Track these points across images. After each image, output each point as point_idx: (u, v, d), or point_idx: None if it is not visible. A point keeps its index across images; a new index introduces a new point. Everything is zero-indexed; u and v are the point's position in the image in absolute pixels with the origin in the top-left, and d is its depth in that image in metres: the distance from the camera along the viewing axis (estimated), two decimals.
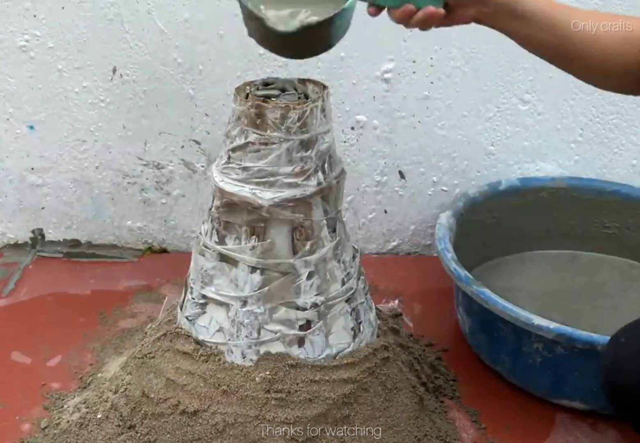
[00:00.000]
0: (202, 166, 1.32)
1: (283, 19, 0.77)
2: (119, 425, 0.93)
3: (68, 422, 0.97)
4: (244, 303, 0.88)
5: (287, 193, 0.84)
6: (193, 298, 0.93)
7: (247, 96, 0.85)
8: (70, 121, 1.28)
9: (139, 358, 0.97)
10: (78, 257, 1.39)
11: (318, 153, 0.85)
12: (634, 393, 0.76)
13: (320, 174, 0.86)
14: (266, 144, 0.83)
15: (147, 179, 1.34)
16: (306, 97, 0.86)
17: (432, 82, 1.26)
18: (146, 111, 1.27)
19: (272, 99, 0.85)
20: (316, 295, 0.89)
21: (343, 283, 0.92)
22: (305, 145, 0.84)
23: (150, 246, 1.42)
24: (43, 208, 1.37)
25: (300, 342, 0.90)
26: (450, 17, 0.78)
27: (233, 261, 0.88)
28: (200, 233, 0.92)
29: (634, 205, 1.28)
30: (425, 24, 0.78)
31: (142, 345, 0.99)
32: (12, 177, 1.34)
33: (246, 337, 0.89)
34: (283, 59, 1.21)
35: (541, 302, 1.21)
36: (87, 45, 1.22)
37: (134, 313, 1.24)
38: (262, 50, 1.18)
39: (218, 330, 0.91)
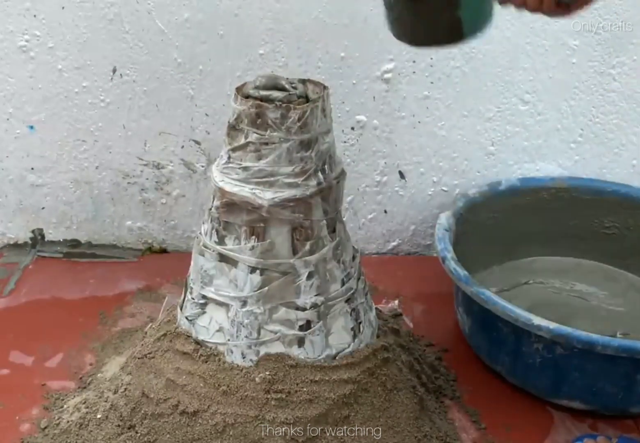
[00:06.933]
0: (202, 166, 1.32)
1: None
2: (119, 425, 0.93)
3: (68, 422, 0.97)
4: (244, 303, 0.88)
5: (287, 193, 0.84)
6: (193, 299, 0.93)
7: (247, 96, 0.85)
8: (70, 121, 1.28)
9: (138, 358, 0.97)
10: (78, 257, 1.39)
11: (318, 153, 0.85)
12: None
13: (320, 174, 0.86)
14: (266, 143, 0.83)
15: (147, 179, 1.34)
16: (306, 97, 0.86)
17: (432, 82, 1.26)
18: (146, 111, 1.27)
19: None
20: (316, 295, 0.89)
21: (343, 284, 0.92)
22: (306, 145, 0.84)
23: (150, 246, 1.42)
24: (43, 208, 1.37)
25: (300, 342, 0.90)
26: None
27: (233, 261, 0.88)
28: (200, 233, 0.92)
29: (634, 205, 1.28)
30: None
31: (142, 345, 0.99)
32: (12, 177, 1.34)
33: (246, 337, 0.89)
34: (283, 59, 1.21)
35: (538, 301, 1.21)
36: (87, 45, 1.22)
37: (134, 313, 1.24)
38: (262, 50, 1.21)
39: (218, 331, 0.91)
